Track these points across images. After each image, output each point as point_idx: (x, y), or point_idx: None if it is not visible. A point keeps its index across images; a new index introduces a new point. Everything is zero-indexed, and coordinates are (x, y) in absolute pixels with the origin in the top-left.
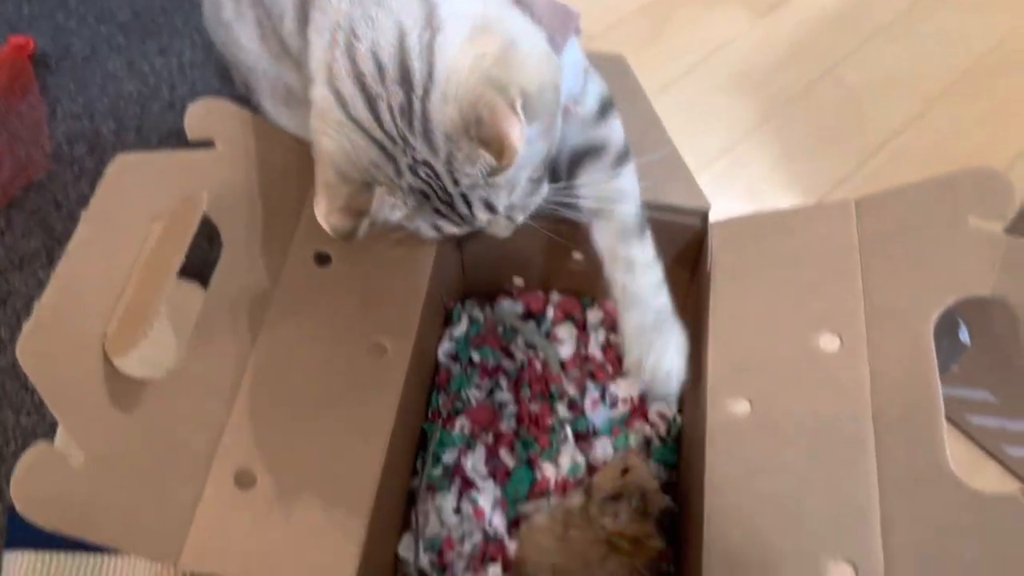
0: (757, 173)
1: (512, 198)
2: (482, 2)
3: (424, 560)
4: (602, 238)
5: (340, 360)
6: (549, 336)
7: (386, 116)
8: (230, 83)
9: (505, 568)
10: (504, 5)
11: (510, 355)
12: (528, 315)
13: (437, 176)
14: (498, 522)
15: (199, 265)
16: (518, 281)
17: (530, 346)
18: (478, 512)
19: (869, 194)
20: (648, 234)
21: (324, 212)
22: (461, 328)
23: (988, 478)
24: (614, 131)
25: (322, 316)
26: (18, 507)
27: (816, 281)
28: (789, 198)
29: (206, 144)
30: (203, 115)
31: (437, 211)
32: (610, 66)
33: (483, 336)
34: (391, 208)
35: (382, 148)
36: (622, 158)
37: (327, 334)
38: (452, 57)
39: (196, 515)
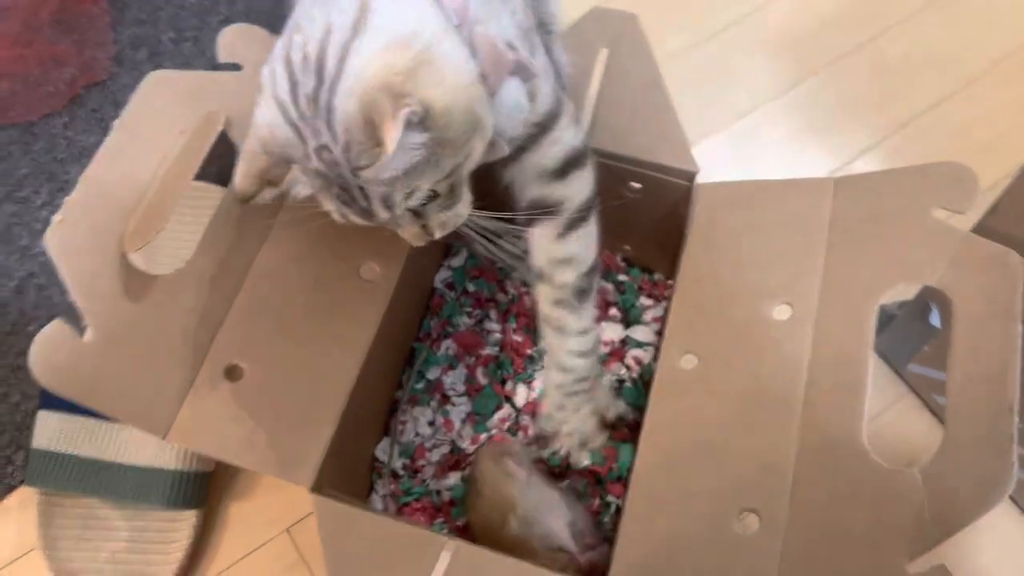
0: (775, 137)
1: (410, 202)
2: (416, 19)
3: (398, 463)
4: (541, 300)
5: (333, 276)
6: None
7: (301, 100)
8: (282, 5)
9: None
10: (442, 32)
11: (504, 290)
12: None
13: (336, 164)
14: (466, 434)
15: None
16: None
17: (524, 284)
18: (448, 423)
19: (848, 175)
20: (588, 304)
21: (238, 175)
22: (459, 260)
23: None
24: (576, 191)
25: (321, 236)
26: (34, 372)
27: (781, 253)
28: (800, 166)
29: (235, 67)
30: (234, 40)
31: (339, 198)
32: (620, 24)
33: (480, 269)
34: (303, 186)
35: (296, 129)
36: (579, 219)
37: (324, 252)
38: (363, 60)
39: (187, 398)
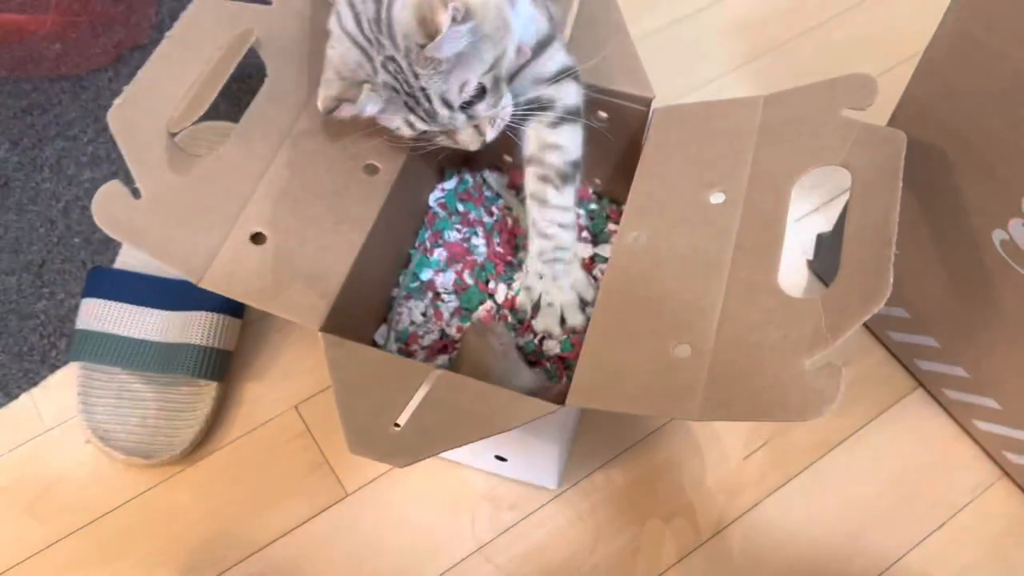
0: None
1: (463, 95)
2: None
3: (393, 347)
4: (528, 180)
5: (342, 169)
6: (523, 202)
7: (365, 25)
8: None
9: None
10: None
11: (490, 213)
12: (511, 186)
13: (401, 70)
14: (453, 324)
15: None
16: (507, 158)
17: (507, 208)
18: (438, 314)
19: (775, 92)
20: (570, 188)
21: (320, 98)
22: (452, 183)
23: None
24: (567, 93)
25: (334, 139)
26: (96, 219)
27: (719, 154)
28: None
29: (266, 1)
30: None
31: (406, 104)
32: None
33: (470, 193)
34: (373, 103)
35: (363, 50)
36: (566, 118)
37: (336, 152)
38: None
39: (218, 254)
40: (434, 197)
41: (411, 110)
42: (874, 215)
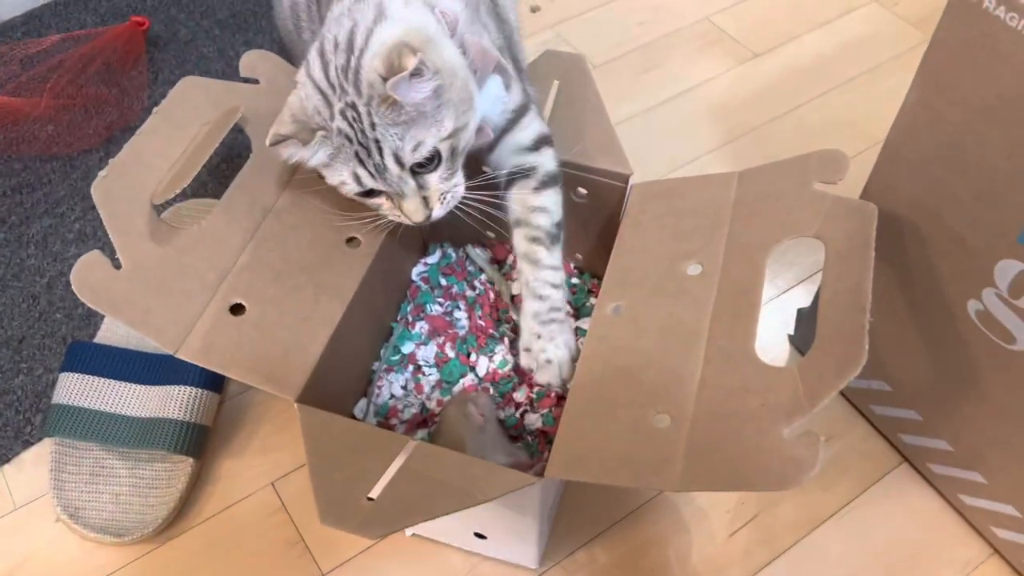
0: None
1: (416, 155)
2: (421, 19)
3: (372, 420)
4: (518, 241)
5: (324, 242)
6: (505, 276)
7: (332, 72)
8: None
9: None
10: (439, 30)
11: (473, 287)
12: (495, 261)
13: (359, 118)
14: (434, 397)
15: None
16: (490, 235)
17: (490, 282)
18: (418, 387)
19: (749, 168)
20: (558, 248)
21: (270, 134)
22: (434, 258)
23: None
24: (546, 160)
25: (316, 212)
26: (75, 288)
27: (695, 227)
28: None
29: (253, 82)
30: (254, 60)
31: (357, 155)
32: (569, 62)
33: (453, 268)
34: (324, 151)
35: (324, 96)
36: (548, 183)
37: (318, 224)
38: (385, 35)
39: (197, 325)
40: (417, 271)
41: (361, 162)
42: (847, 283)
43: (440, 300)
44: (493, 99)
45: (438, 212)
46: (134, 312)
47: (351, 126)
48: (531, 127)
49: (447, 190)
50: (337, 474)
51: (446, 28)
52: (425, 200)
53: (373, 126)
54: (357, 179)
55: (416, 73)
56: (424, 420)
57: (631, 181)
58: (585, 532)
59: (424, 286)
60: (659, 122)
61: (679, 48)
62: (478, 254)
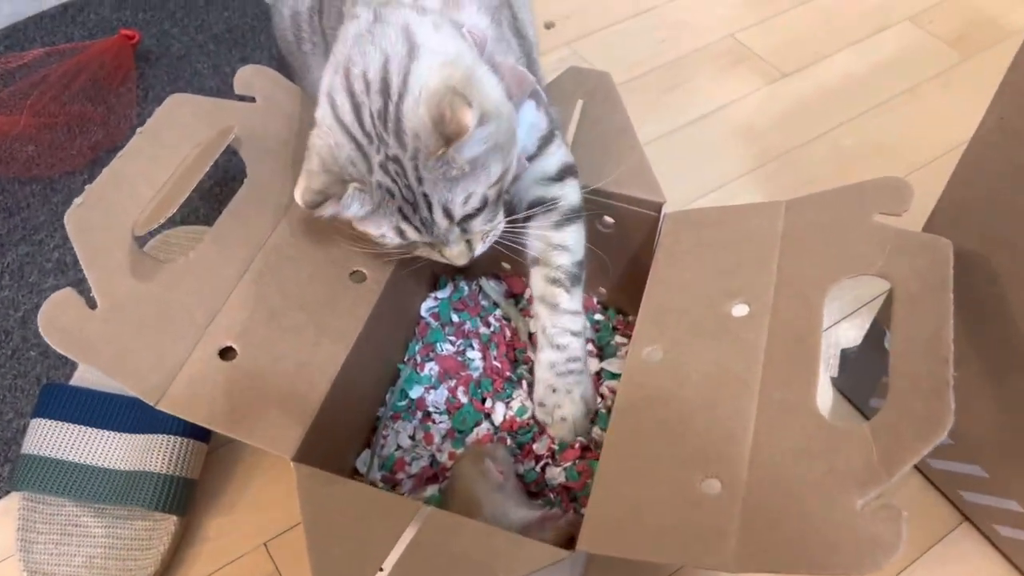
0: None
1: (467, 208)
2: (455, 48)
3: (377, 475)
4: (536, 282)
5: (326, 276)
6: (523, 311)
7: (366, 119)
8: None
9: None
10: (474, 57)
11: (487, 324)
12: (510, 295)
13: (404, 173)
14: (445, 449)
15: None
16: (506, 266)
17: (505, 318)
18: (428, 437)
19: (798, 197)
20: (579, 290)
21: (300, 190)
22: (445, 292)
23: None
24: (569, 193)
25: (317, 244)
26: (41, 330)
27: (740, 262)
28: None
29: (249, 99)
30: (250, 76)
31: (400, 211)
32: (595, 80)
33: (465, 302)
34: (360, 204)
35: (359, 146)
36: (571, 218)
37: (320, 257)
38: (424, 74)
39: (181, 371)
40: (426, 307)
41: (405, 217)
42: (924, 330)
43: (452, 338)
44: (528, 126)
45: (480, 250)
46: (109, 357)
47: (394, 181)
48: (556, 155)
49: (490, 230)
50: (339, 548)
51: (476, 50)
52: (468, 243)
53: (420, 180)
54: (400, 233)
55: (475, 126)
56: (435, 475)
57: (664, 210)
58: None
59: (434, 323)
60: (683, 145)
61: (703, 67)
62: (492, 287)
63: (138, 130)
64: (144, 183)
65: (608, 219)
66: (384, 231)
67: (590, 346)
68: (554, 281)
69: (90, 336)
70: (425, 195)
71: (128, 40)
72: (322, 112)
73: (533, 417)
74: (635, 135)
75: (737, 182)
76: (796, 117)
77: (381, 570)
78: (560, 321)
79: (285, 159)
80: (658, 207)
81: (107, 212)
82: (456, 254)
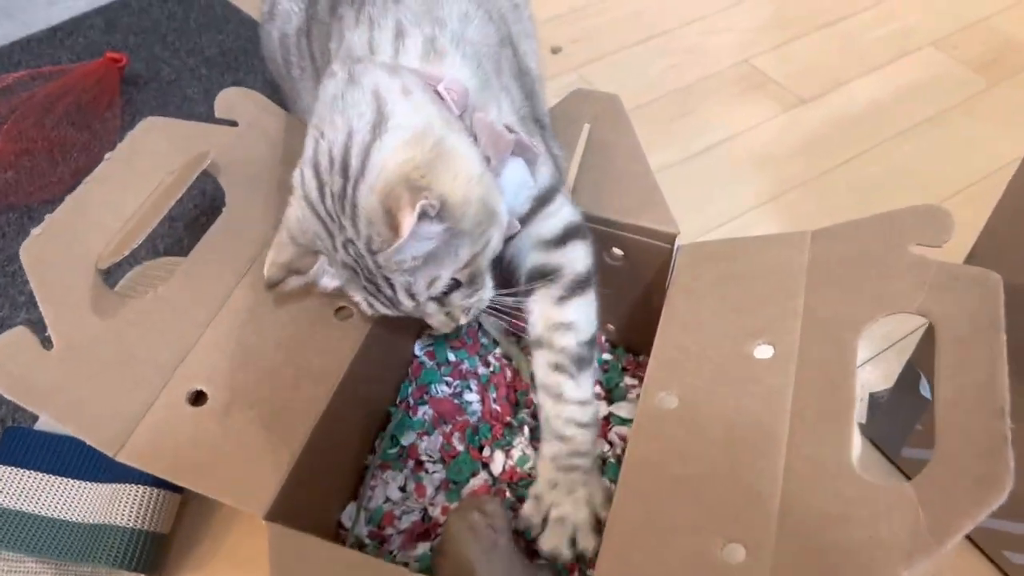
0: None
1: (432, 290)
2: (425, 118)
3: (363, 530)
4: (538, 367)
5: (308, 312)
6: (524, 349)
7: (327, 198)
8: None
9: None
10: (446, 124)
11: (486, 363)
12: (511, 332)
13: (361, 255)
14: (438, 502)
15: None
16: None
17: (506, 357)
18: (419, 488)
19: (825, 227)
20: (588, 374)
21: (268, 263)
22: None
23: None
24: (575, 259)
25: None
26: None
27: (762, 298)
28: None
29: (231, 123)
30: (233, 99)
31: (365, 288)
32: (603, 102)
33: (462, 340)
34: (330, 276)
35: (324, 224)
36: (578, 287)
37: (302, 292)
38: (384, 157)
39: (145, 418)
40: (420, 345)
41: (372, 295)
42: (974, 376)
43: (448, 379)
44: (516, 187)
45: (465, 320)
46: (63, 403)
47: (356, 262)
48: (559, 215)
49: (471, 304)
50: None
51: (454, 108)
52: (449, 315)
53: (378, 265)
54: (371, 306)
55: (422, 215)
56: (426, 530)
57: (678, 241)
58: None
59: (429, 362)
60: (695, 174)
61: (717, 93)
62: (492, 324)
63: (107, 155)
64: (110, 212)
65: (617, 251)
66: (358, 300)
67: (598, 388)
68: (557, 367)
69: (43, 381)
70: (387, 279)
71: (115, 63)
72: (295, 181)
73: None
74: (646, 161)
75: (753, 212)
76: (815, 145)
77: None
78: (565, 412)
79: (267, 186)
80: (671, 238)
81: (69, 243)
82: (438, 324)
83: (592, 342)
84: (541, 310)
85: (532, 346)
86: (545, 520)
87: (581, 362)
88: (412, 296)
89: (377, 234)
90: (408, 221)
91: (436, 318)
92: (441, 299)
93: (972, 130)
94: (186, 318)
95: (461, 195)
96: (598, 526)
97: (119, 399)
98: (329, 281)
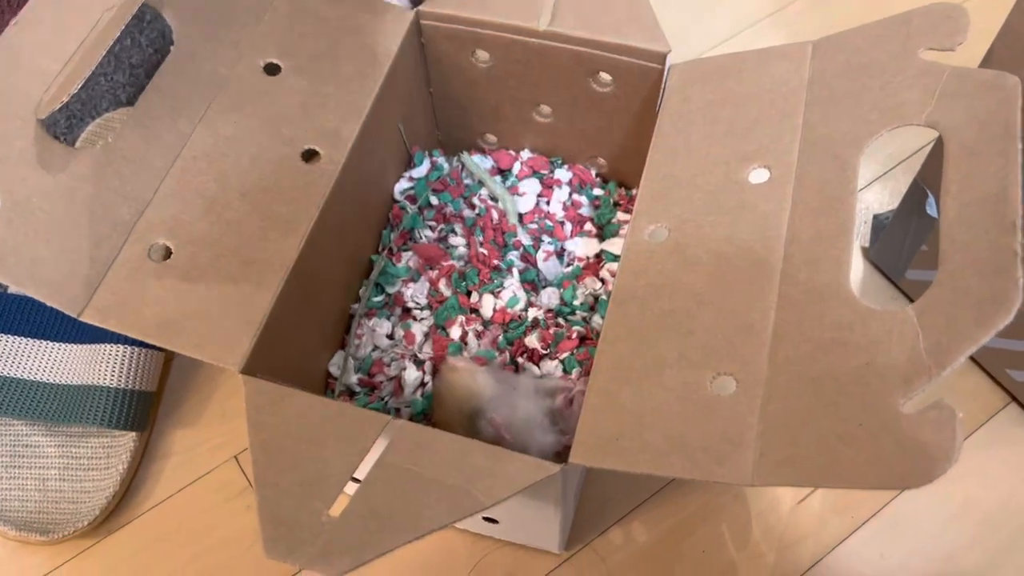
0: None
1: None
2: None
3: (353, 378)
4: None
5: (270, 158)
6: (511, 189)
7: None
8: None
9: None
10: None
11: (471, 206)
12: (497, 171)
13: None
14: (427, 350)
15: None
16: (491, 138)
17: (492, 198)
18: (408, 335)
19: (828, 35)
20: None
21: None
22: (422, 170)
23: None
24: None
25: (261, 119)
26: None
27: (757, 119)
28: None
29: None
30: None
31: None
32: None
33: (445, 182)
34: None
35: None
36: None
37: (263, 135)
38: None
39: (107, 277)
40: (400, 188)
41: None
42: (983, 189)
43: (431, 223)
44: None
45: None
46: (15, 265)
47: None
48: None
49: None
50: (290, 477)
51: None
52: None
53: None
54: None
55: None
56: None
57: (669, 60)
58: (621, 505)
59: (410, 207)
60: None
61: None
62: (476, 163)
63: None
64: (47, 56)
65: (604, 75)
66: None
67: (589, 226)
68: None
69: None
70: None
71: None
72: None
73: (529, 305)
74: None
75: (753, 29)
76: None
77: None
78: None
79: (220, 17)
80: (662, 58)
81: (4, 93)
82: None
83: None
84: None
85: None
86: None
87: None
88: None
89: None
90: None
91: None
92: None
93: None
94: (141, 169)
95: None
96: None
97: (76, 257)
98: None
